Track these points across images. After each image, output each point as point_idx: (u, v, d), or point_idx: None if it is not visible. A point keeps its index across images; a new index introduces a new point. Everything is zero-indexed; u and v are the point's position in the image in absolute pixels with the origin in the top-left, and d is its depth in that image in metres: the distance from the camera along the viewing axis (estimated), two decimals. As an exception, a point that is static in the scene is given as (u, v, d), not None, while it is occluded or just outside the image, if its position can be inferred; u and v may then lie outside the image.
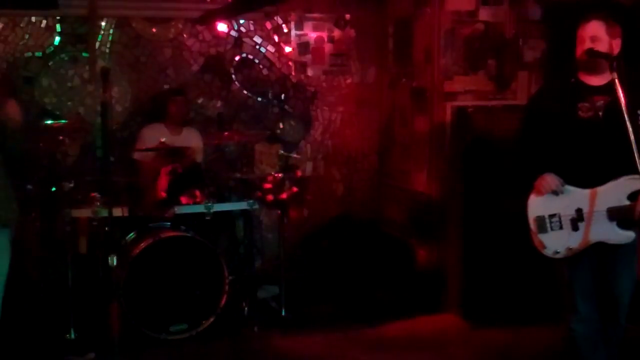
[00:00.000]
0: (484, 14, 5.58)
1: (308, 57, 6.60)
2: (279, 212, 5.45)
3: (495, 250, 5.16)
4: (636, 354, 4.17)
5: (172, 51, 6.24)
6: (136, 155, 5.68)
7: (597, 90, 3.54)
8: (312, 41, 6.59)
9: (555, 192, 3.55)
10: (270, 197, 5.31)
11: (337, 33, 6.63)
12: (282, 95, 6.56)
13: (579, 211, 3.52)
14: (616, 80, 3.36)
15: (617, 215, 3.47)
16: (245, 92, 6.47)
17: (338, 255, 6.00)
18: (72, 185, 5.02)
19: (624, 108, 3.29)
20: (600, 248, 3.54)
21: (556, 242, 3.56)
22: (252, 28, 6.45)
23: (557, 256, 3.57)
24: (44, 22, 5.92)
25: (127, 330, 4.46)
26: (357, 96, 6.74)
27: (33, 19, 5.88)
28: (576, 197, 3.53)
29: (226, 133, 5.70)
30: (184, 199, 5.13)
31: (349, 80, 6.73)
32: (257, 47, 6.47)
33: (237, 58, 6.42)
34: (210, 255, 5.01)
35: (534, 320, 4.94)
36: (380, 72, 6.70)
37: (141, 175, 5.54)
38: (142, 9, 6.13)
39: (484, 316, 5.14)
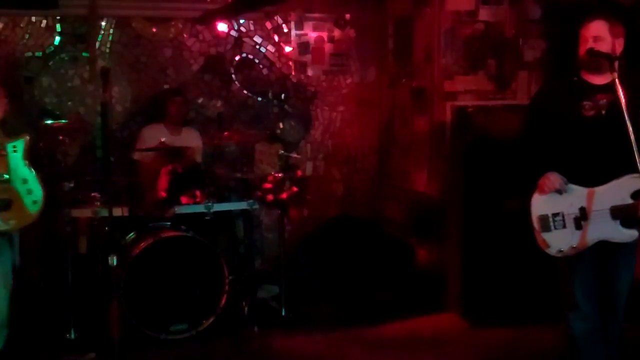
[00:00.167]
0: (484, 14, 5.58)
1: (308, 57, 6.60)
2: (279, 212, 5.45)
3: (496, 250, 5.16)
4: (636, 354, 4.17)
5: (172, 51, 6.24)
6: (136, 156, 5.68)
7: (600, 89, 3.55)
8: (312, 41, 6.59)
9: (559, 191, 3.55)
10: (270, 197, 5.31)
11: (337, 33, 6.63)
12: (282, 95, 6.56)
13: (582, 210, 3.53)
14: (616, 80, 3.37)
15: (621, 214, 3.48)
16: (245, 92, 6.47)
17: (338, 255, 6.00)
18: (72, 185, 5.01)
19: (624, 107, 3.30)
20: (602, 246, 3.55)
21: (560, 241, 3.56)
22: (252, 28, 6.45)
23: (561, 255, 3.58)
24: (44, 22, 5.92)
25: (127, 330, 4.45)
26: (357, 96, 6.74)
27: (33, 19, 5.88)
28: (579, 195, 3.54)
29: (226, 133, 5.70)
30: (184, 199, 5.13)
31: (349, 80, 6.73)
32: (257, 47, 6.47)
33: (237, 58, 6.42)
34: (210, 255, 5.01)
35: (534, 320, 4.94)
36: (380, 72, 6.70)
37: (141, 175, 5.54)
38: (142, 9, 6.13)
39: (484, 316, 5.14)
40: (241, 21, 6.39)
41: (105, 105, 4.01)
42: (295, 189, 5.33)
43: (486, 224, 5.18)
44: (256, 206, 5.38)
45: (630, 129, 3.30)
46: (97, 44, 6.02)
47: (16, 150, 3.61)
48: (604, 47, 3.49)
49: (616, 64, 3.46)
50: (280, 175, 5.38)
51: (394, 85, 6.45)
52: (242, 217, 5.71)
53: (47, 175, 5.12)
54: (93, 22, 5.96)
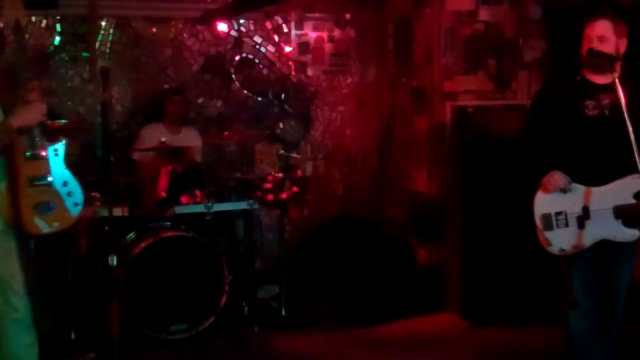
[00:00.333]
0: (484, 14, 5.58)
1: (308, 57, 6.60)
2: (279, 212, 5.45)
3: (495, 250, 5.16)
4: (636, 354, 4.17)
5: (172, 51, 6.24)
6: (136, 156, 5.69)
7: (603, 88, 3.55)
8: (312, 41, 6.59)
9: (563, 190, 3.55)
10: (270, 197, 5.31)
11: (337, 33, 6.63)
12: (282, 95, 6.56)
13: (585, 209, 3.53)
14: (616, 80, 3.37)
15: (623, 214, 3.49)
16: (245, 92, 6.47)
17: (338, 255, 6.00)
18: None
19: (624, 108, 3.31)
20: (603, 245, 3.56)
21: (562, 240, 3.57)
22: (252, 28, 6.45)
23: (562, 253, 3.59)
24: (44, 22, 5.92)
25: (127, 330, 4.45)
26: (357, 96, 6.74)
27: (33, 18, 5.88)
28: (582, 195, 3.54)
29: (226, 133, 5.69)
30: (184, 199, 5.13)
31: (349, 80, 6.73)
32: (257, 47, 6.47)
33: (237, 58, 6.43)
34: (210, 255, 5.00)
35: (533, 320, 4.94)
36: (380, 72, 6.70)
37: (141, 175, 5.54)
38: (142, 9, 6.14)
39: (484, 316, 5.14)
40: (241, 21, 6.39)
41: (105, 105, 4.00)
42: (295, 189, 5.32)
43: (486, 223, 5.18)
44: (256, 206, 5.37)
45: (630, 129, 3.31)
46: (97, 44, 6.03)
47: (58, 154, 3.66)
48: (608, 47, 3.49)
49: (617, 64, 3.47)
50: (280, 175, 5.37)
51: (394, 85, 6.45)
52: (242, 217, 5.71)
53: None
54: (93, 22, 5.96)
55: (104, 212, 4.74)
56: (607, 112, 3.52)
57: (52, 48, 5.94)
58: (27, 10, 3.50)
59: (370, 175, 6.84)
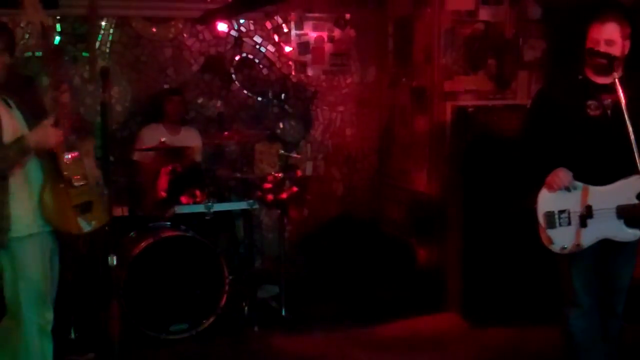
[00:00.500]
0: (484, 14, 5.58)
1: (308, 57, 6.60)
2: (279, 212, 5.45)
3: (496, 249, 5.16)
4: (636, 354, 4.17)
5: (172, 51, 6.24)
6: (136, 156, 5.68)
7: (605, 88, 3.54)
8: (312, 41, 6.59)
9: (567, 188, 3.55)
10: (270, 197, 5.31)
11: (337, 33, 6.63)
12: (282, 95, 6.56)
13: (588, 207, 3.53)
14: (616, 81, 3.37)
15: (626, 214, 3.50)
16: (245, 92, 6.47)
17: (338, 255, 6.00)
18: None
19: (624, 108, 3.31)
20: (604, 244, 3.57)
21: (564, 238, 3.57)
22: (252, 28, 6.45)
23: (564, 252, 3.59)
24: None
25: (127, 330, 4.45)
26: (357, 96, 6.74)
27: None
28: (586, 193, 3.54)
29: (226, 133, 5.70)
30: (184, 199, 5.13)
31: (349, 80, 6.73)
32: (257, 47, 6.47)
33: (237, 58, 6.42)
34: (210, 255, 5.00)
35: (534, 320, 4.94)
36: (380, 72, 6.70)
37: (141, 175, 5.54)
38: (142, 9, 6.13)
39: (484, 316, 5.14)
40: (241, 21, 6.39)
41: (105, 105, 4.00)
42: (295, 189, 5.32)
43: (486, 223, 5.18)
44: (256, 206, 5.38)
45: (630, 129, 3.31)
46: (97, 44, 6.02)
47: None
48: (616, 50, 3.48)
49: (617, 64, 3.47)
50: (280, 175, 5.37)
51: (394, 85, 6.45)
52: (242, 217, 5.71)
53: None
54: (93, 22, 5.96)
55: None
56: (609, 112, 3.52)
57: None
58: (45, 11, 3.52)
59: (370, 175, 6.84)
